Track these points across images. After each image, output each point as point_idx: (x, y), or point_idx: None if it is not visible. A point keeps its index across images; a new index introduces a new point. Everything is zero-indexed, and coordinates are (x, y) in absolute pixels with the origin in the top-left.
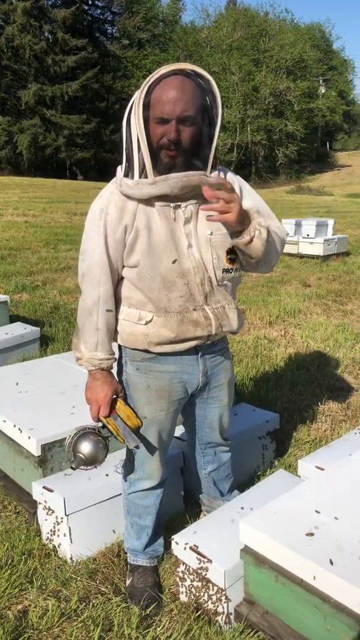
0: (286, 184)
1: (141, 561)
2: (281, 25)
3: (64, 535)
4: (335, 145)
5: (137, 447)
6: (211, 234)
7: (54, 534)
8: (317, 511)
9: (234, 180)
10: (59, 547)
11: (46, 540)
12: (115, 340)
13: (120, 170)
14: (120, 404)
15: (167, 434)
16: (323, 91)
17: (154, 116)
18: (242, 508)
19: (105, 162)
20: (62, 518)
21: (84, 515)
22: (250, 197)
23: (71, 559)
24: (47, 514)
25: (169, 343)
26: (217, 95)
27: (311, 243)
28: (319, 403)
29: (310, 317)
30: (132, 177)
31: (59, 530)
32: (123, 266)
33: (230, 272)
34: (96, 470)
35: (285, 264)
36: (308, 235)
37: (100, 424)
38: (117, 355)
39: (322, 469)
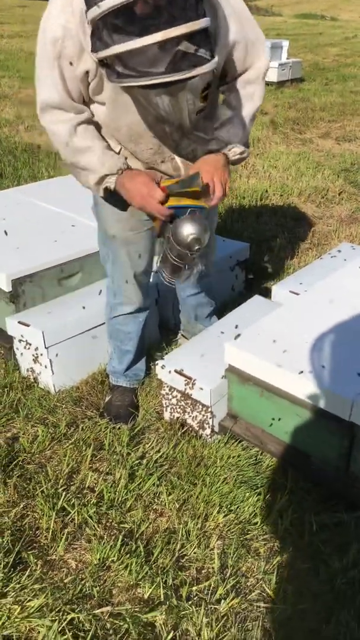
0: None
1: (121, 382)
2: None
3: (45, 367)
4: None
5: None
6: None
7: (34, 367)
8: (297, 331)
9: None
10: (40, 378)
11: (26, 373)
12: None
13: None
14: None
15: (141, 255)
16: None
17: None
18: (223, 332)
19: None
20: (41, 351)
21: (64, 347)
22: (239, 23)
23: (54, 389)
24: (25, 348)
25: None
26: None
27: None
28: (285, 232)
29: (270, 147)
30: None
31: (39, 363)
32: (89, 98)
33: (203, 110)
34: (73, 303)
35: None
36: None
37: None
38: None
39: (297, 294)
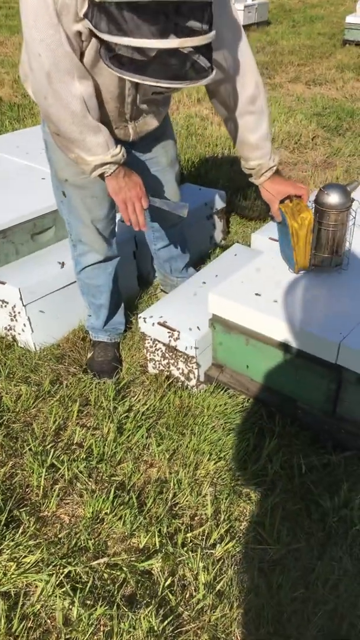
0: None
1: (102, 337)
2: None
3: (24, 325)
4: None
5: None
6: None
7: (12, 326)
8: (279, 278)
9: None
10: (19, 337)
11: (4, 332)
12: None
13: None
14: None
15: (99, 200)
16: None
17: None
18: (204, 282)
19: None
20: (19, 309)
21: (43, 304)
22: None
23: (35, 347)
24: (2, 306)
25: None
26: None
27: None
28: None
29: None
30: None
31: (17, 321)
32: None
33: (161, 93)
34: (48, 258)
35: None
36: None
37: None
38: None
39: (277, 240)
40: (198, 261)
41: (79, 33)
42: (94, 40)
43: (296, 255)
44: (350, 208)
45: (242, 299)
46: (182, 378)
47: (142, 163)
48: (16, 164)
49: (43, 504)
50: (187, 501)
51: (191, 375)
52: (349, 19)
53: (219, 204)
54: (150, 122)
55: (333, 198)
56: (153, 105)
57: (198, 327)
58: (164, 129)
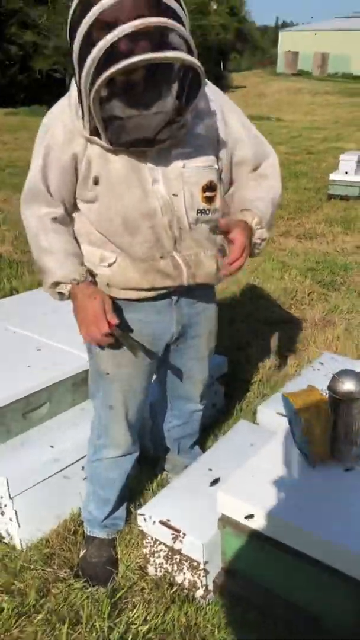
0: None
1: (98, 533)
2: None
3: (10, 520)
4: (228, 65)
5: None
6: (183, 166)
7: None
8: (297, 469)
9: (216, 101)
10: (3, 533)
11: None
12: None
13: (74, 88)
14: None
15: (135, 396)
16: (215, 7)
17: None
18: (211, 469)
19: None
20: (5, 501)
21: (32, 495)
22: (240, 128)
23: (21, 544)
24: None
25: (135, 289)
26: None
27: None
28: (259, 339)
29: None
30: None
31: (2, 514)
32: (75, 198)
33: (207, 214)
34: (40, 440)
35: None
36: None
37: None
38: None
39: (285, 416)
40: (203, 434)
41: (74, 157)
42: (98, 153)
43: (312, 448)
44: None
45: (254, 499)
46: (188, 586)
47: (181, 325)
48: (8, 332)
49: None
50: None
51: (198, 584)
52: (332, 176)
53: (221, 370)
54: (207, 264)
55: (348, 385)
56: (203, 238)
57: (206, 527)
58: (211, 290)
